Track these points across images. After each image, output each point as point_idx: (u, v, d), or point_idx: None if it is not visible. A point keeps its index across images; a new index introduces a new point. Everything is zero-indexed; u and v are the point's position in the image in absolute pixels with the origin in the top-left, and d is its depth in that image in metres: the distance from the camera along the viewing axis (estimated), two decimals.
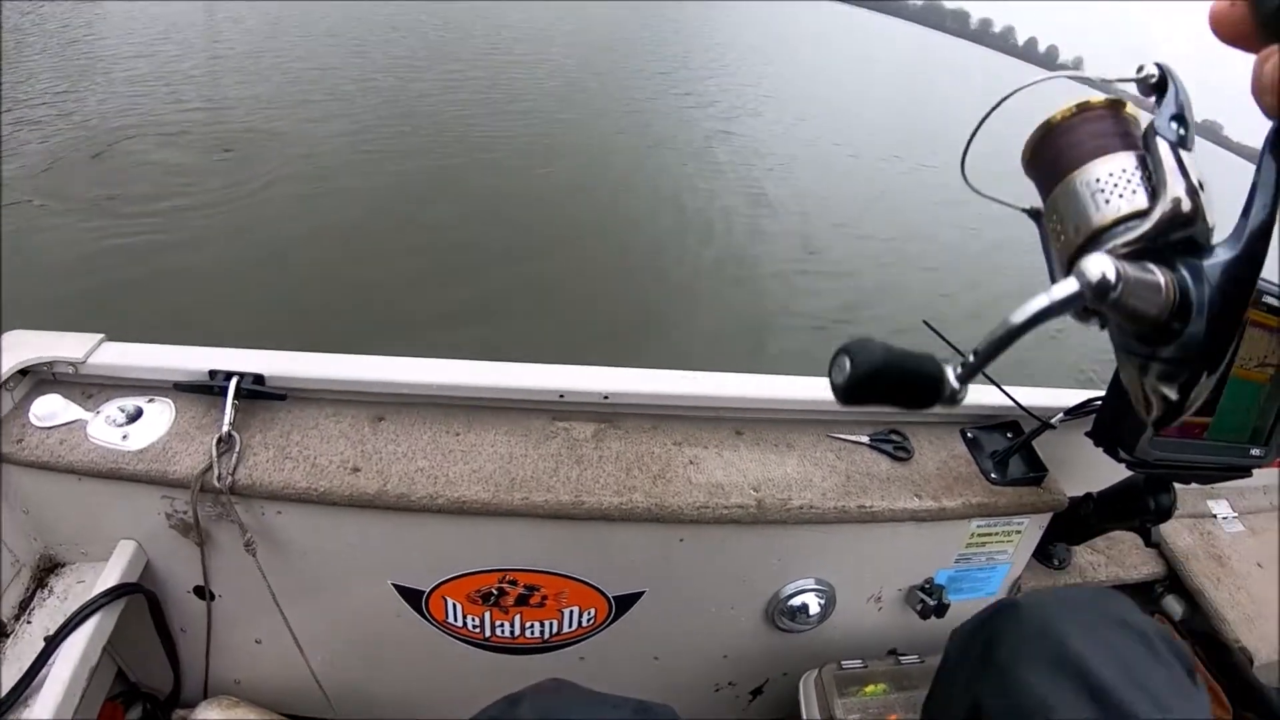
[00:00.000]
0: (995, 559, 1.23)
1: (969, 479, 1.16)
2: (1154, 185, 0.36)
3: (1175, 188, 0.35)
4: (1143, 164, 0.37)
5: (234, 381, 0.98)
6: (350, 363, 1.05)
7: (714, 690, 1.26)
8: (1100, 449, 1.05)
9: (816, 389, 1.16)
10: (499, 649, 1.13)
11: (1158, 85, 0.38)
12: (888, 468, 1.13)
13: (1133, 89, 0.40)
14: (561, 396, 1.07)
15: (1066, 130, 0.40)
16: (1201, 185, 0.36)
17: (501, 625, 1.10)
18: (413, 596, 1.07)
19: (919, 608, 1.18)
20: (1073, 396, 1.23)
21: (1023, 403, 1.20)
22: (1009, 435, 1.25)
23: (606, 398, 1.08)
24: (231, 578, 1.05)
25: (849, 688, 1.11)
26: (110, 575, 0.98)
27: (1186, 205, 0.35)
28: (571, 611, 1.10)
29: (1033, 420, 1.19)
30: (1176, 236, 0.35)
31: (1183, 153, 0.36)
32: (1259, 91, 0.30)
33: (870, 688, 1.12)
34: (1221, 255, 0.35)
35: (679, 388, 1.10)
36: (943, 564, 1.20)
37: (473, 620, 1.10)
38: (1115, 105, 0.40)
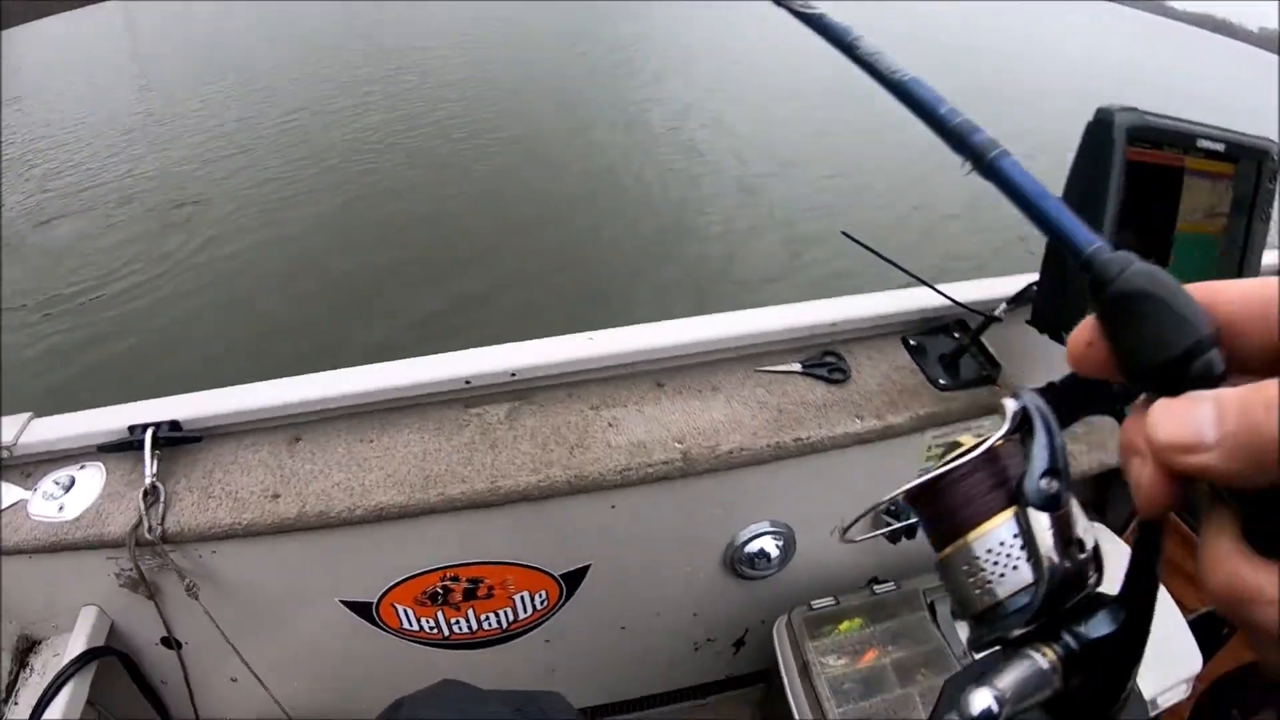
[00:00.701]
0: None
1: (915, 390, 1.09)
2: (1034, 554, 0.34)
3: (1055, 558, 0.33)
4: (1021, 525, 0.34)
5: (149, 433, 0.97)
6: (260, 390, 1.03)
7: (694, 649, 1.23)
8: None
9: (741, 322, 1.10)
10: (461, 646, 1.11)
11: (1021, 427, 0.35)
12: (824, 393, 1.07)
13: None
14: (468, 383, 1.03)
15: (936, 495, 0.37)
16: (1081, 544, 0.34)
17: (457, 622, 1.08)
18: (363, 610, 1.05)
19: (886, 532, 1.12)
20: (1017, 283, 1.14)
21: (963, 297, 1.12)
22: (955, 335, 1.17)
23: (514, 375, 1.04)
24: (192, 623, 1.05)
25: (822, 628, 1.07)
26: (76, 644, 0.99)
27: (1069, 573, 0.34)
28: (522, 597, 1.07)
29: (977, 316, 1.12)
30: (1063, 606, 0.34)
31: (1066, 508, 0.34)
32: (1126, 455, 0.28)
33: (845, 624, 1.08)
34: (1103, 625, 0.34)
35: (590, 350, 1.05)
36: (905, 482, 1.14)
37: (427, 622, 1.07)
38: (988, 455, 0.36)
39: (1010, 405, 0.35)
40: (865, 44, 0.45)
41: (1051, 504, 0.34)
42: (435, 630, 1.08)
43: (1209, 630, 1.17)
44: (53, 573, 0.98)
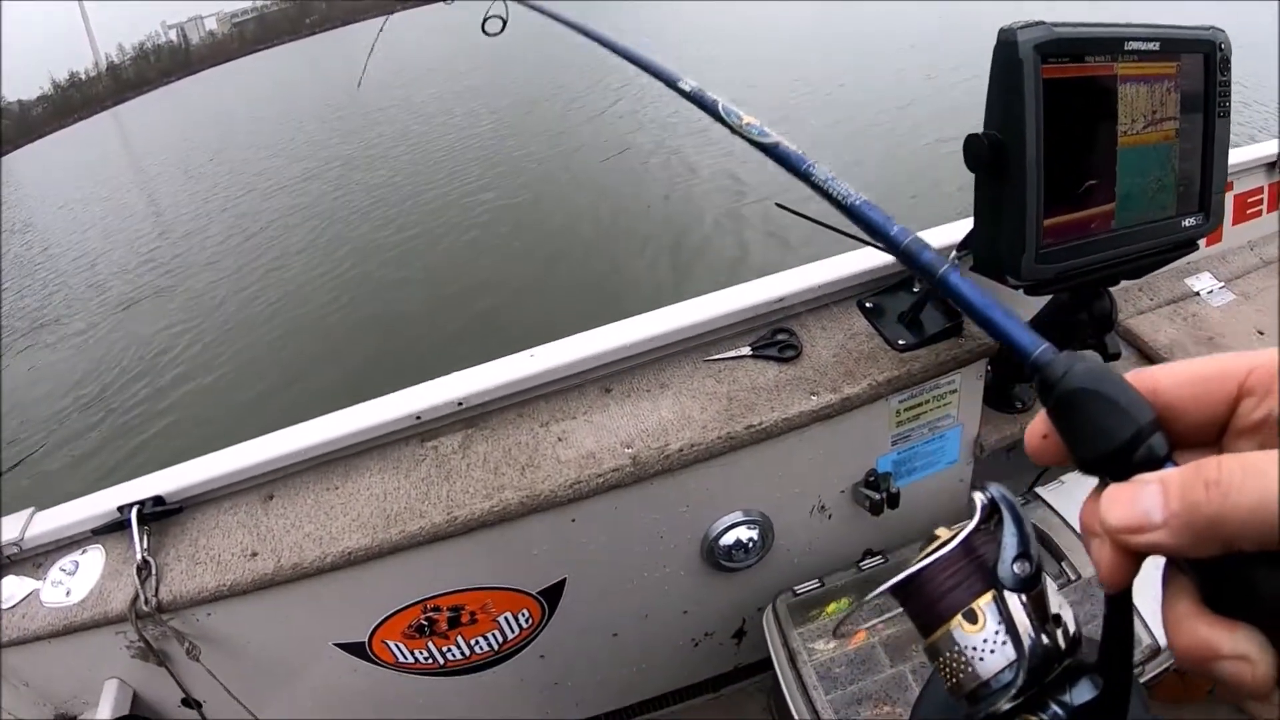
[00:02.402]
0: (939, 426, 1.11)
1: (873, 355, 1.05)
2: (1014, 633, 0.36)
3: (1033, 635, 0.36)
4: (999, 607, 0.37)
5: (135, 511, 1.02)
6: (232, 455, 1.08)
7: (694, 645, 1.22)
8: None
9: (686, 313, 1.07)
10: (460, 671, 1.13)
11: (990, 517, 0.37)
12: (775, 374, 1.04)
13: None
14: (419, 418, 1.04)
15: (917, 588, 0.39)
16: (1058, 618, 0.37)
17: (449, 650, 1.10)
18: (356, 649, 1.08)
19: (867, 505, 1.09)
20: (966, 227, 1.09)
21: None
22: (915, 290, 1.12)
23: (461, 404, 1.04)
24: (205, 683, 1.10)
25: (809, 613, 1.04)
26: (102, 715, 1.05)
27: (1048, 648, 0.36)
28: (505, 618, 1.08)
29: None
30: (1047, 677, 0.36)
31: (1041, 586, 0.37)
32: (1086, 537, 0.31)
33: (832, 606, 1.05)
34: (1086, 692, 0.37)
35: (533, 366, 1.04)
36: (880, 450, 1.10)
37: (421, 653, 1.09)
38: (963, 546, 0.38)
39: (979, 498, 0.37)
40: (818, 171, 0.50)
41: (1026, 585, 0.36)
42: (430, 660, 1.10)
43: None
44: (72, 654, 1.04)
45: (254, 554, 1.00)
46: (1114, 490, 0.29)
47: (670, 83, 0.66)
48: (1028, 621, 0.36)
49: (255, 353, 5.12)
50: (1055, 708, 0.36)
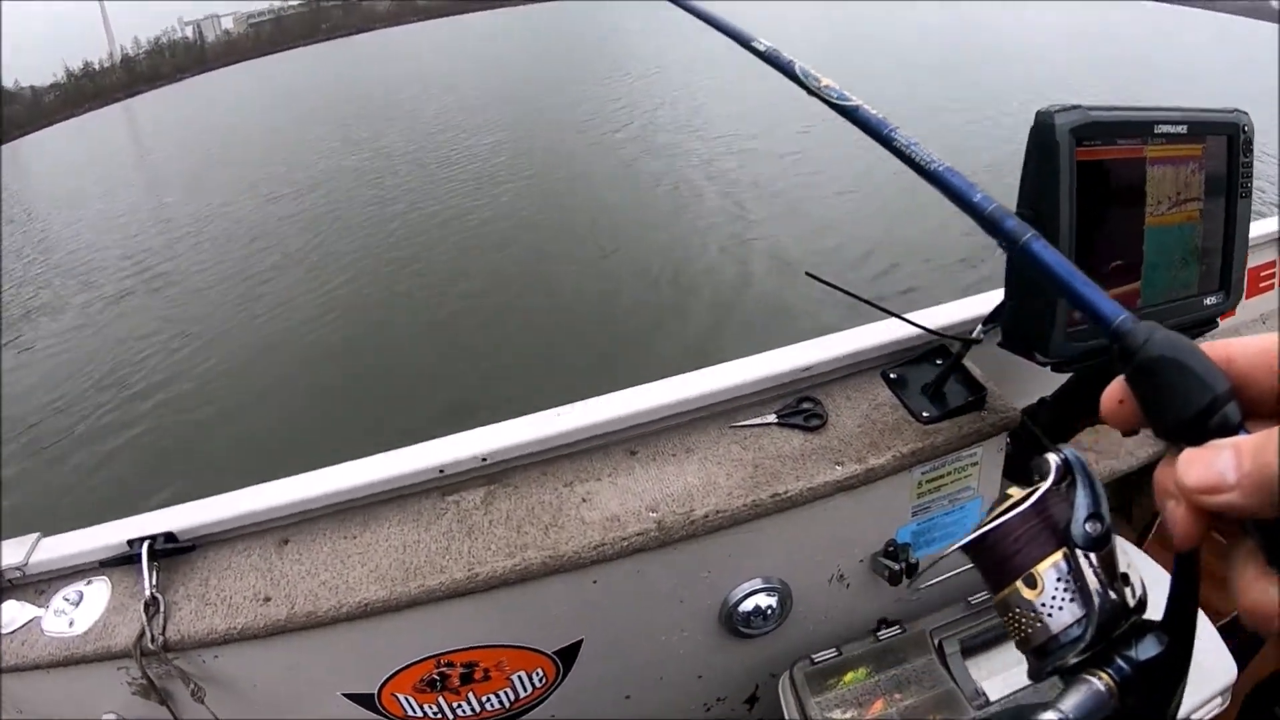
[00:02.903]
0: (959, 498, 1.12)
1: (897, 426, 1.05)
2: (1084, 590, 0.38)
3: (1102, 592, 0.38)
4: (1070, 564, 0.39)
5: (145, 546, 1.01)
6: (249, 496, 1.07)
7: (705, 710, 1.21)
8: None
9: (713, 379, 1.08)
10: None
11: (1064, 478, 0.39)
12: (800, 443, 1.04)
13: None
14: (442, 471, 1.04)
15: (990, 545, 0.41)
16: (1126, 577, 0.38)
17: (460, 705, 1.09)
18: (365, 701, 1.07)
19: (886, 575, 1.09)
20: (992, 300, 1.10)
21: (940, 322, 1.08)
22: (939, 362, 1.13)
23: (485, 459, 1.04)
24: None
25: (826, 681, 1.04)
26: None
27: (1116, 604, 0.38)
28: (519, 676, 1.07)
29: (955, 341, 1.07)
30: (1113, 634, 0.38)
31: (1110, 546, 0.38)
32: (1161, 498, 0.33)
33: (850, 675, 1.04)
34: (1151, 648, 0.38)
35: (560, 425, 1.05)
36: (900, 521, 1.10)
37: (431, 708, 1.08)
38: (1040, 504, 0.40)
39: (1053, 459, 0.39)
40: (900, 136, 0.49)
41: (1097, 544, 0.38)
42: (440, 715, 1.09)
43: (1241, 634, 1.10)
44: (71, 685, 1.02)
45: (267, 599, 0.99)
46: (1191, 454, 0.31)
47: (744, 42, 0.65)
48: (1097, 579, 0.38)
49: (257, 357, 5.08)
50: (1121, 662, 0.37)
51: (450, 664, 1.04)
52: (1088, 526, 0.38)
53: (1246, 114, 0.98)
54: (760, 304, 5.12)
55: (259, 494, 1.07)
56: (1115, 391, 0.35)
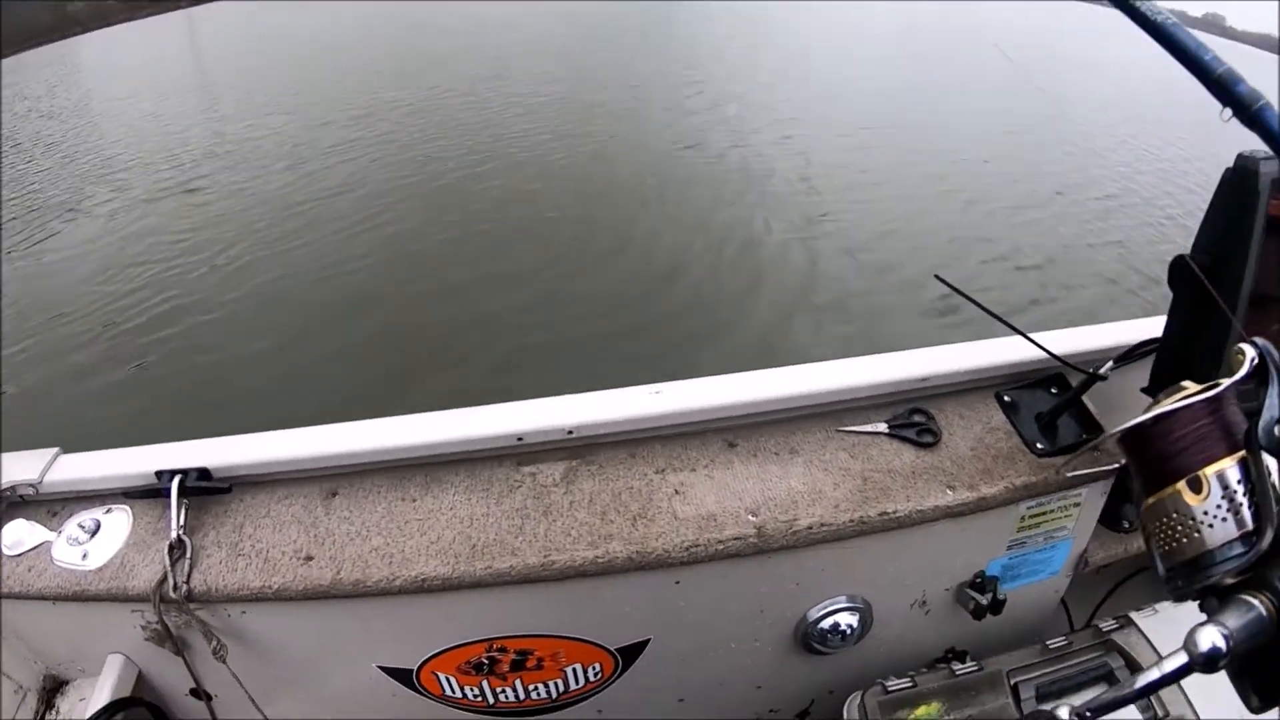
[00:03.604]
0: (1054, 537, 1.06)
1: (1011, 455, 0.98)
2: (1258, 503, 0.33)
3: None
4: (1245, 471, 0.34)
5: (176, 481, 0.90)
6: (296, 438, 0.96)
7: None
8: None
9: (822, 377, 0.99)
10: (506, 714, 1.04)
11: (1256, 374, 0.35)
12: (912, 459, 0.97)
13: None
14: (520, 440, 0.94)
15: (1163, 433, 0.36)
16: None
17: (503, 691, 1.00)
18: (402, 675, 0.98)
19: (971, 607, 1.03)
20: (1122, 333, 1.03)
21: (1063, 348, 1.01)
22: (1053, 391, 1.06)
23: (571, 432, 0.94)
24: (222, 678, 0.99)
25: (898, 712, 0.98)
26: (102, 693, 0.94)
27: None
28: (574, 669, 0.99)
29: (1077, 372, 1.00)
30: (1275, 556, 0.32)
31: None
32: None
33: (922, 709, 0.98)
34: None
35: (656, 406, 0.95)
36: (993, 554, 1.04)
37: (471, 690, 1.00)
38: (1214, 402, 0.36)
39: (1248, 350, 0.35)
40: None
41: None
42: (479, 698, 1.01)
43: None
44: (77, 620, 0.93)
45: (309, 557, 0.89)
46: None
47: None
48: (1275, 491, 0.34)
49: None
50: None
51: (503, 649, 0.95)
52: (1278, 429, 0.34)
53: None
54: (865, 308, 4.86)
55: (308, 437, 0.96)
56: None
